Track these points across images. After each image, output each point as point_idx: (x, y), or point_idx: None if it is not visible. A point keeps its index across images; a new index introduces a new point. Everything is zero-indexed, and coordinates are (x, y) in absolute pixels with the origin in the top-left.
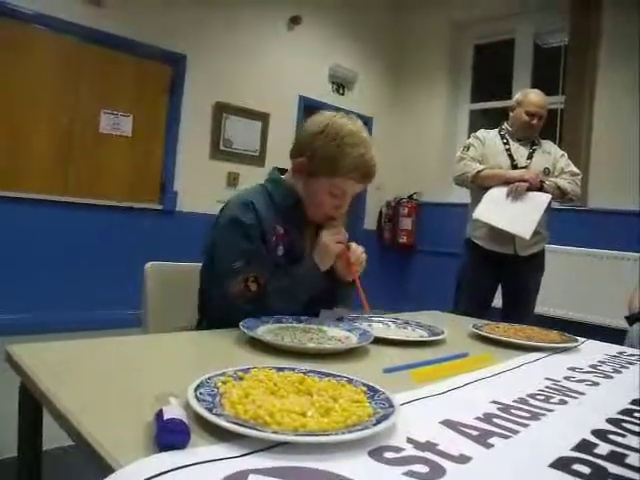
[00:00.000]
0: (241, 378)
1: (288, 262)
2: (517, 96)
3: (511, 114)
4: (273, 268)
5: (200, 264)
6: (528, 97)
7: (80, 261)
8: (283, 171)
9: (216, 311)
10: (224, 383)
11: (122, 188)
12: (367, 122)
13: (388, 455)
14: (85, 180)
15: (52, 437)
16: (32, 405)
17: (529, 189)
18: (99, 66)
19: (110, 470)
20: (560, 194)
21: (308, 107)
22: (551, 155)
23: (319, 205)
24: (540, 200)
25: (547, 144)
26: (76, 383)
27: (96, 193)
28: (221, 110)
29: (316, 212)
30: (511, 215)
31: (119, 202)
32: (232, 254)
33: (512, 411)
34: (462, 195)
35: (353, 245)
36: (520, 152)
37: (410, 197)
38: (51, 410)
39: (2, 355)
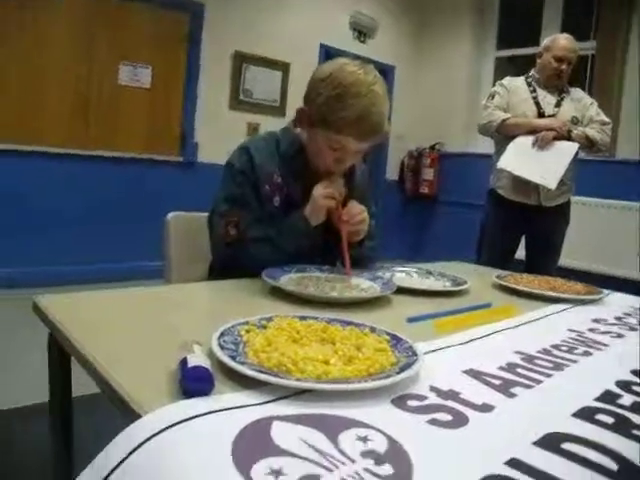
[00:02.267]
0: (264, 327)
1: (284, 213)
2: (545, 42)
3: (538, 61)
4: (260, 216)
5: None
6: (556, 42)
7: (102, 214)
8: None
9: (211, 254)
10: (247, 332)
11: (142, 140)
12: (389, 71)
13: (411, 403)
14: (105, 133)
15: (82, 384)
16: (60, 354)
17: (556, 138)
18: (117, 18)
19: (136, 417)
20: (588, 144)
21: (329, 55)
22: (580, 103)
23: (319, 156)
24: (567, 150)
25: (576, 92)
26: (102, 333)
27: (116, 146)
28: (240, 60)
29: (317, 164)
30: (536, 165)
31: (139, 154)
32: (221, 197)
33: (535, 361)
34: (486, 145)
35: (351, 203)
36: (547, 100)
37: (432, 147)
38: (79, 359)
39: (28, 309)
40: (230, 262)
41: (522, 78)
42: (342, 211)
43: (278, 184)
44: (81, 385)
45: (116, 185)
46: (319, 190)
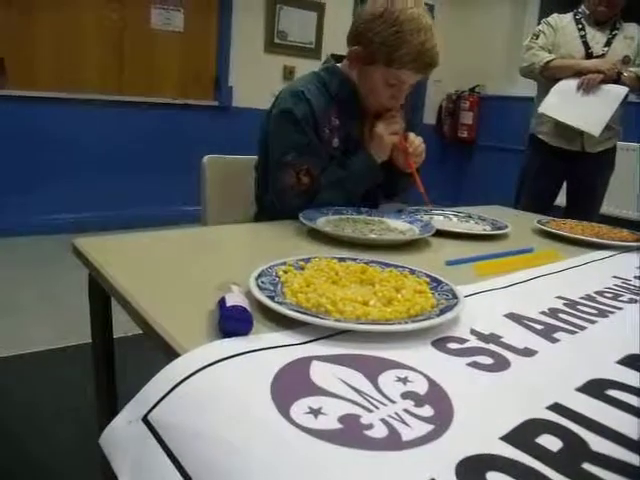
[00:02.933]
0: (302, 267)
1: (343, 154)
2: None
3: None
4: (327, 160)
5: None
6: None
7: (137, 159)
8: (340, 58)
9: (271, 204)
10: (285, 272)
11: (176, 85)
12: (427, 10)
13: (451, 346)
14: (139, 78)
15: (122, 325)
16: (101, 296)
17: (603, 81)
18: None
19: (176, 355)
20: None
21: None
22: (634, 41)
23: (375, 95)
24: (615, 94)
25: (630, 27)
26: (141, 274)
27: (150, 91)
28: (274, 1)
29: (372, 102)
30: (581, 110)
31: (174, 99)
32: (284, 147)
33: (578, 307)
34: (527, 88)
35: (411, 135)
36: (597, 38)
37: (472, 90)
38: (118, 300)
39: (68, 253)
40: (295, 210)
41: (570, 15)
42: (408, 144)
43: (336, 125)
44: (121, 325)
45: (151, 130)
46: (382, 128)
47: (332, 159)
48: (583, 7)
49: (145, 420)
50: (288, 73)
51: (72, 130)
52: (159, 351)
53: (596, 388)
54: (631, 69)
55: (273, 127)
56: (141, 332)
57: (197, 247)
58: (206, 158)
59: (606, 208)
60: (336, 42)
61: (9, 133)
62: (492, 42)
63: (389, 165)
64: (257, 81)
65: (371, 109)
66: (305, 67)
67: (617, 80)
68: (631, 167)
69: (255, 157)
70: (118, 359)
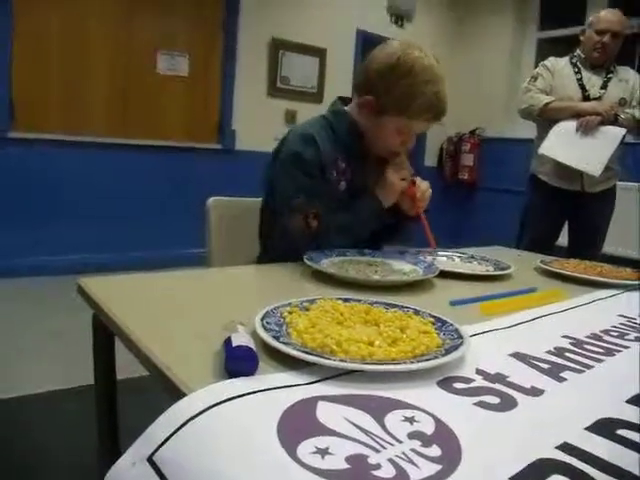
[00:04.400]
0: (307, 308)
1: (350, 197)
2: (589, 19)
3: (581, 38)
4: (334, 204)
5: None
6: (599, 15)
7: (143, 201)
8: (346, 101)
9: (277, 247)
10: (290, 313)
11: (181, 128)
12: None
13: (458, 385)
14: (144, 121)
15: (125, 367)
16: (105, 336)
17: (601, 123)
18: (153, 7)
19: (181, 395)
20: (636, 127)
21: (366, 41)
22: (629, 83)
23: (385, 142)
24: (613, 135)
25: (624, 71)
26: (146, 314)
27: (156, 134)
28: (277, 46)
29: (380, 148)
30: (580, 151)
31: (178, 142)
32: (292, 190)
33: (585, 346)
34: (527, 130)
35: (418, 180)
36: (593, 81)
37: (472, 132)
38: (123, 340)
39: (73, 294)
40: (303, 254)
41: (566, 58)
42: (415, 190)
43: (342, 169)
44: (125, 368)
45: (156, 173)
46: (392, 174)
47: (339, 203)
48: (579, 51)
49: (150, 460)
50: (290, 117)
51: (78, 172)
52: (162, 393)
53: (606, 427)
54: (627, 111)
55: (281, 169)
56: (144, 374)
57: (202, 288)
58: (211, 200)
59: (607, 248)
60: (337, 86)
61: (16, 174)
62: (490, 85)
63: (395, 209)
64: (260, 125)
65: (378, 154)
66: (307, 111)
67: (614, 122)
68: (631, 206)
69: (259, 199)
70: (121, 401)
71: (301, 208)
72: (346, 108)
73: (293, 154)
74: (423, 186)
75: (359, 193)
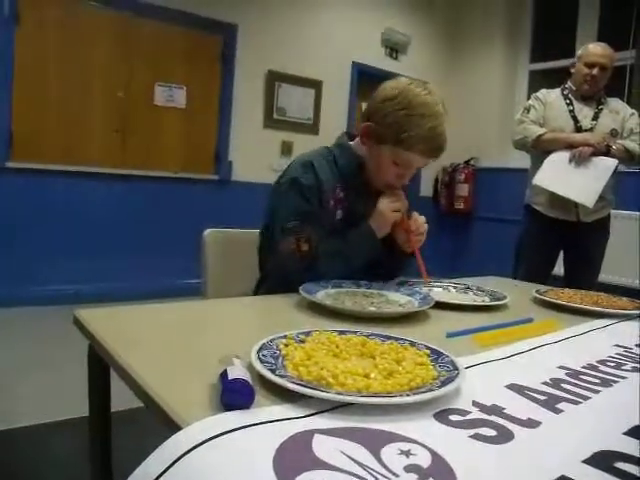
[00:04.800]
0: (303, 341)
1: (346, 227)
2: (578, 52)
3: (572, 71)
4: (328, 231)
5: (258, 230)
6: (587, 48)
7: (139, 232)
8: (353, 136)
9: (271, 270)
10: (286, 345)
11: (177, 159)
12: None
13: (454, 418)
14: (141, 152)
15: (119, 400)
16: (100, 367)
17: (594, 154)
18: (151, 40)
19: (177, 428)
20: (629, 157)
21: (362, 73)
22: (619, 115)
23: (382, 172)
24: (605, 166)
25: (614, 102)
26: (142, 346)
27: (152, 165)
28: (273, 79)
29: (378, 180)
30: (573, 182)
31: (175, 173)
32: (287, 213)
33: (581, 377)
34: (521, 160)
35: (415, 214)
36: (584, 112)
37: (467, 162)
38: (118, 372)
39: (69, 325)
40: (299, 277)
41: (558, 90)
42: (409, 222)
43: (340, 198)
44: (120, 401)
45: (152, 203)
46: (386, 204)
47: (334, 231)
48: (570, 83)
49: None
50: (287, 148)
51: (75, 202)
52: (158, 425)
53: (603, 460)
54: (619, 141)
55: (280, 195)
56: (139, 406)
57: (199, 319)
58: (207, 232)
59: (604, 276)
60: (333, 117)
61: (13, 203)
62: (484, 116)
63: (391, 244)
64: (256, 156)
65: (377, 186)
66: (303, 142)
67: (607, 153)
68: (626, 235)
69: (255, 230)
70: (115, 432)
71: (295, 231)
72: (351, 143)
73: (292, 179)
74: (419, 220)
75: (356, 223)
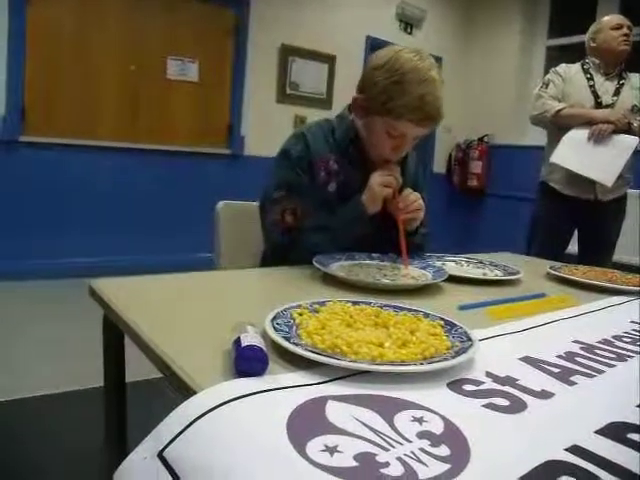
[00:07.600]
0: (317, 310)
1: (340, 200)
2: (592, 28)
3: (593, 45)
4: (318, 204)
5: None
6: (604, 19)
7: (151, 206)
8: None
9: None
10: (300, 315)
11: (190, 133)
12: (436, 62)
13: (467, 387)
14: (154, 126)
15: (133, 369)
16: (115, 337)
17: (614, 131)
18: (164, 13)
19: (192, 394)
20: None
21: (375, 47)
22: None
23: (377, 145)
24: (627, 144)
25: (636, 78)
26: (157, 315)
27: (165, 139)
28: (287, 53)
29: (375, 153)
30: (593, 160)
31: (187, 147)
32: (275, 184)
33: (596, 351)
34: (535, 137)
35: (406, 191)
36: (605, 88)
37: (481, 139)
38: (134, 338)
39: (84, 297)
40: (283, 249)
41: (578, 65)
42: (399, 199)
43: (334, 170)
44: (131, 370)
45: (165, 177)
46: (376, 178)
47: (326, 203)
48: (592, 57)
49: (160, 456)
50: (299, 123)
51: (88, 176)
52: (169, 397)
53: (616, 431)
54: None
55: (273, 166)
56: (152, 377)
57: (212, 290)
58: (220, 204)
59: (617, 256)
60: (346, 92)
61: (27, 178)
62: (500, 92)
63: (385, 218)
64: (269, 130)
65: (374, 160)
66: (316, 117)
67: (627, 130)
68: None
69: None
70: (128, 402)
71: (280, 201)
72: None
73: (283, 150)
74: (410, 198)
75: (349, 197)
